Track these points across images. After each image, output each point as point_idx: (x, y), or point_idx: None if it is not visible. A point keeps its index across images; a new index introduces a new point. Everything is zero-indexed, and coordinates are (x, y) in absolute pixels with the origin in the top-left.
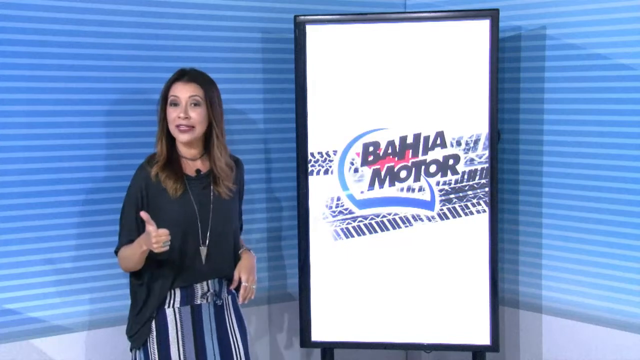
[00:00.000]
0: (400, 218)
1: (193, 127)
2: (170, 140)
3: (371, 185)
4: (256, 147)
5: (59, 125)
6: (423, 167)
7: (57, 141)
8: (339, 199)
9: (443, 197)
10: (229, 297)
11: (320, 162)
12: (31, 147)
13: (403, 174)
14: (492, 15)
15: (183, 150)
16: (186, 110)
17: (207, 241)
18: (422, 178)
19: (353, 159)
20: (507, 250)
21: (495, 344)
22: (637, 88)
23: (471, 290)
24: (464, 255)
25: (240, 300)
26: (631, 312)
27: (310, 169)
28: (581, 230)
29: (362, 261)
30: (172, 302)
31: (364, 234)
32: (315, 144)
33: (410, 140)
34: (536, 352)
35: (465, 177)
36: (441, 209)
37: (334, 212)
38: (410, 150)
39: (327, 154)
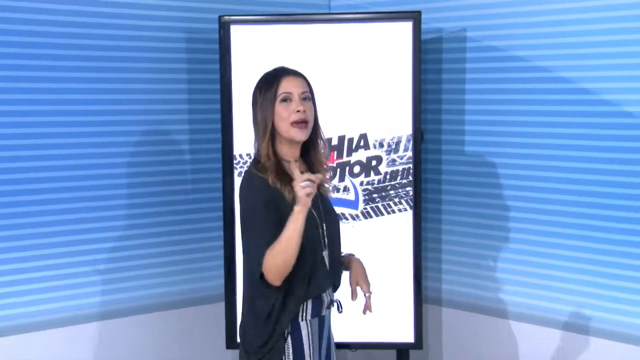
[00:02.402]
0: None
1: (307, 122)
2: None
3: None
4: (181, 148)
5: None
6: (347, 167)
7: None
8: None
9: (366, 197)
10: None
11: (248, 163)
12: None
13: (328, 174)
14: (414, 17)
15: (286, 152)
16: (302, 104)
17: (327, 245)
18: (346, 178)
19: None
20: (430, 249)
21: (419, 341)
22: (555, 89)
23: (395, 289)
24: (388, 253)
25: (369, 311)
26: (549, 308)
27: (239, 170)
28: (503, 228)
29: None
30: (304, 314)
31: None
32: (242, 146)
33: (335, 142)
34: (459, 349)
35: (388, 177)
36: (365, 208)
37: None
38: (335, 152)
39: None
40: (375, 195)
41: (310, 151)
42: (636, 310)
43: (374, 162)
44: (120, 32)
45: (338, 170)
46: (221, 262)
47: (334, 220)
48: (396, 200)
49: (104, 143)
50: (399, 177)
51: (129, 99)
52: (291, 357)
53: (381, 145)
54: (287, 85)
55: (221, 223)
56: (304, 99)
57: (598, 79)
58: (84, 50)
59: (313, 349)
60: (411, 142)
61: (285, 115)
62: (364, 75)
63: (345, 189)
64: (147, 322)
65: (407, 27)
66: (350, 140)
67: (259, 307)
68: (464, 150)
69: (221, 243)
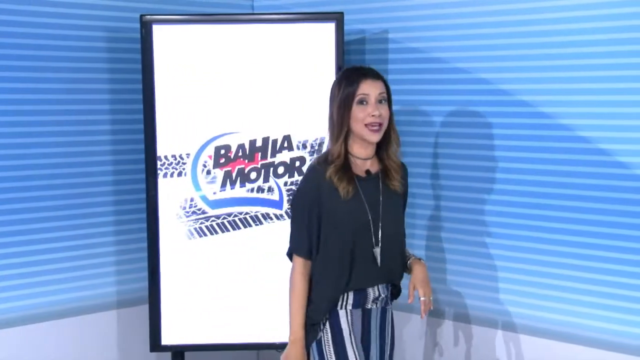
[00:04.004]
0: (251, 217)
1: (382, 124)
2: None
3: (223, 186)
4: (103, 149)
5: None
6: (272, 168)
7: None
8: (192, 199)
9: (290, 197)
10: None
11: (173, 165)
12: None
13: (253, 175)
14: (337, 18)
15: (359, 150)
16: (378, 108)
17: (380, 243)
18: (270, 179)
19: (205, 162)
20: None
21: None
22: (475, 90)
23: None
24: None
25: (422, 316)
26: (486, 308)
27: (164, 171)
28: (428, 227)
29: (214, 261)
30: (344, 303)
31: (216, 232)
32: (167, 147)
33: (259, 143)
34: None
35: None
36: (289, 208)
37: (188, 212)
38: (260, 153)
39: (180, 156)
40: None
41: (384, 150)
42: (568, 308)
43: (297, 163)
44: (39, 30)
45: (262, 171)
46: (145, 264)
47: (394, 219)
48: None
49: (23, 144)
50: None
51: (48, 98)
52: (330, 343)
53: (304, 146)
54: (365, 88)
55: (145, 225)
56: (380, 101)
57: (517, 80)
58: (1, 49)
59: (355, 336)
60: None
61: (360, 117)
62: (287, 76)
63: (270, 189)
64: (70, 325)
65: (329, 28)
66: (275, 141)
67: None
68: None
69: (145, 245)
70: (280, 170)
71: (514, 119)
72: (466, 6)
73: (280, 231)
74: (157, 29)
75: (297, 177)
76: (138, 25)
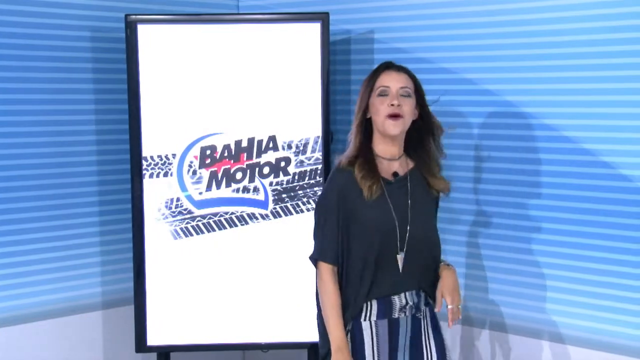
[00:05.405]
0: (237, 217)
1: (402, 117)
2: (366, 139)
3: (209, 187)
4: (88, 149)
5: None
6: (257, 169)
7: None
8: (178, 199)
9: (276, 197)
10: (427, 309)
11: (159, 165)
12: None
13: (238, 175)
14: (323, 18)
15: (384, 149)
16: (398, 99)
17: (405, 248)
18: (256, 179)
19: (191, 162)
20: None
21: None
22: (459, 91)
23: (305, 287)
24: (298, 251)
25: (450, 325)
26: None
27: (150, 171)
28: None
29: (199, 261)
30: (368, 314)
31: (202, 232)
32: (153, 148)
33: (245, 144)
34: None
35: (296, 177)
36: (274, 208)
37: (174, 212)
38: (245, 153)
39: (166, 157)
40: (284, 196)
41: (419, 149)
42: (558, 309)
43: (282, 164)
44: (23, 30)
45: (248, 171)
46: (130, 265)
47: (422, 226)
48: (304, 200)
49: (7, 144)
50: (307, 178)
51: (33, 98)
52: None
53: (290, 147)
54: (385, 79)
55: (130, 225)
56: (403, 95)
57: (503, 80)
58: None
59: (379, 351)
60: (319, 143)
61: (381, 109)
62: (272, 76)
63: (255, 190)
64: (55, 327)
65: (315, 28)
66: (260, 142)
67: (318, 299)
68: None
69: (130, 245)
70: (266, 170)
71: (500, 119)
72: (452, 6)
73: (266, 231)
74: (142, 29)
75: (282, 178)
76: (123, 25)
